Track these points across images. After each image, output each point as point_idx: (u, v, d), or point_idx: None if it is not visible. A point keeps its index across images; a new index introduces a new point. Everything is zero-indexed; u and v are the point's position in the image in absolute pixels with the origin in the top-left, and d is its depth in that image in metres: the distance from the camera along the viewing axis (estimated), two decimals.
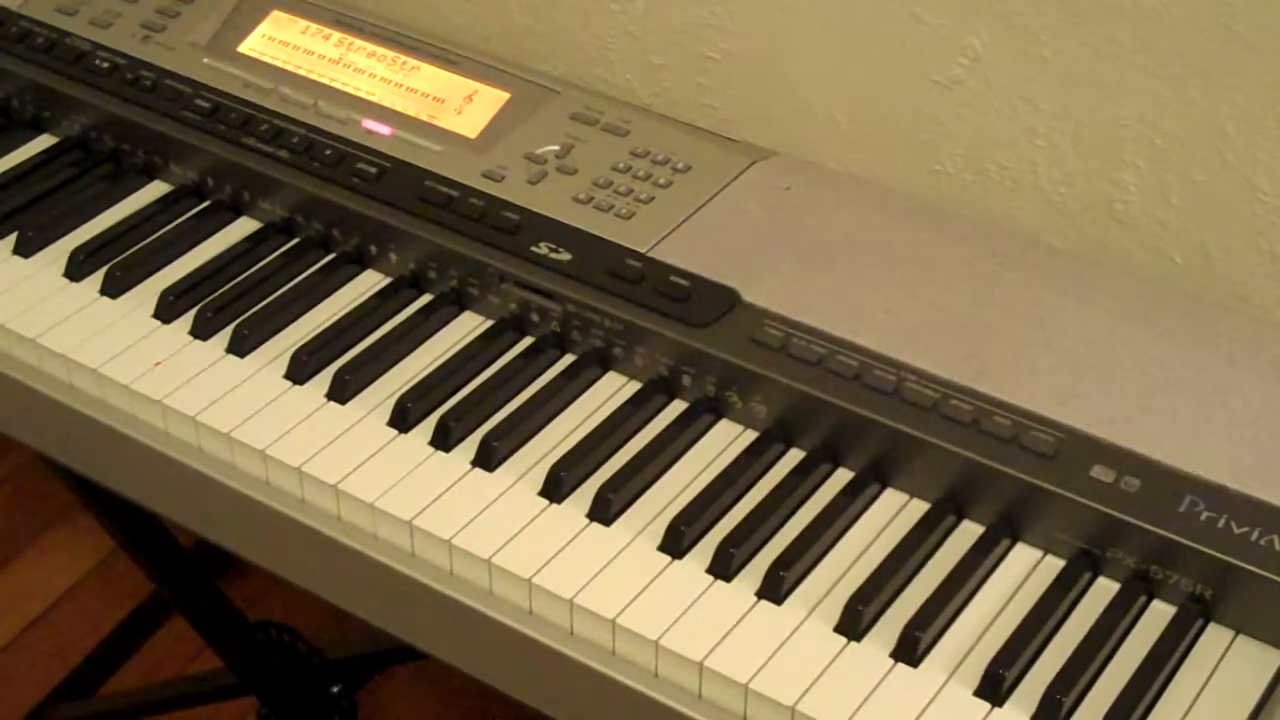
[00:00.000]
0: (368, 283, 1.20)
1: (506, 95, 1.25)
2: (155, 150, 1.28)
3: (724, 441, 1.07)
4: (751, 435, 1.07)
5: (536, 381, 1.11)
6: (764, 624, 0.95)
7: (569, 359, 1.12)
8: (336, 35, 1.32)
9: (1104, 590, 0.97)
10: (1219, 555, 0.93)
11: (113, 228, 1.24)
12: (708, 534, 1.00)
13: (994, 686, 0.91)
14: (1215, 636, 0.95)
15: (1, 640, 2.00)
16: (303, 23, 1.33)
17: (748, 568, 0.98)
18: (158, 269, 1.20)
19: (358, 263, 1.21)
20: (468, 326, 1.16)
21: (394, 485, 1.02)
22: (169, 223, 1.25)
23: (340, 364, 1.11)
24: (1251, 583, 0.93)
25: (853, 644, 0.94)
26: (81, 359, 1.12)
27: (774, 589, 0.96)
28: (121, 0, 1.37)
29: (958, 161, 1.27)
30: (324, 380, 1.10)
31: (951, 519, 1.01)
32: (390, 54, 1.30)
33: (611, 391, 1.11)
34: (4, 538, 2.11)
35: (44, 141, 1.34)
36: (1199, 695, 0.91)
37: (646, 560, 0.99)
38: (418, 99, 1.26)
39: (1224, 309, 1.12)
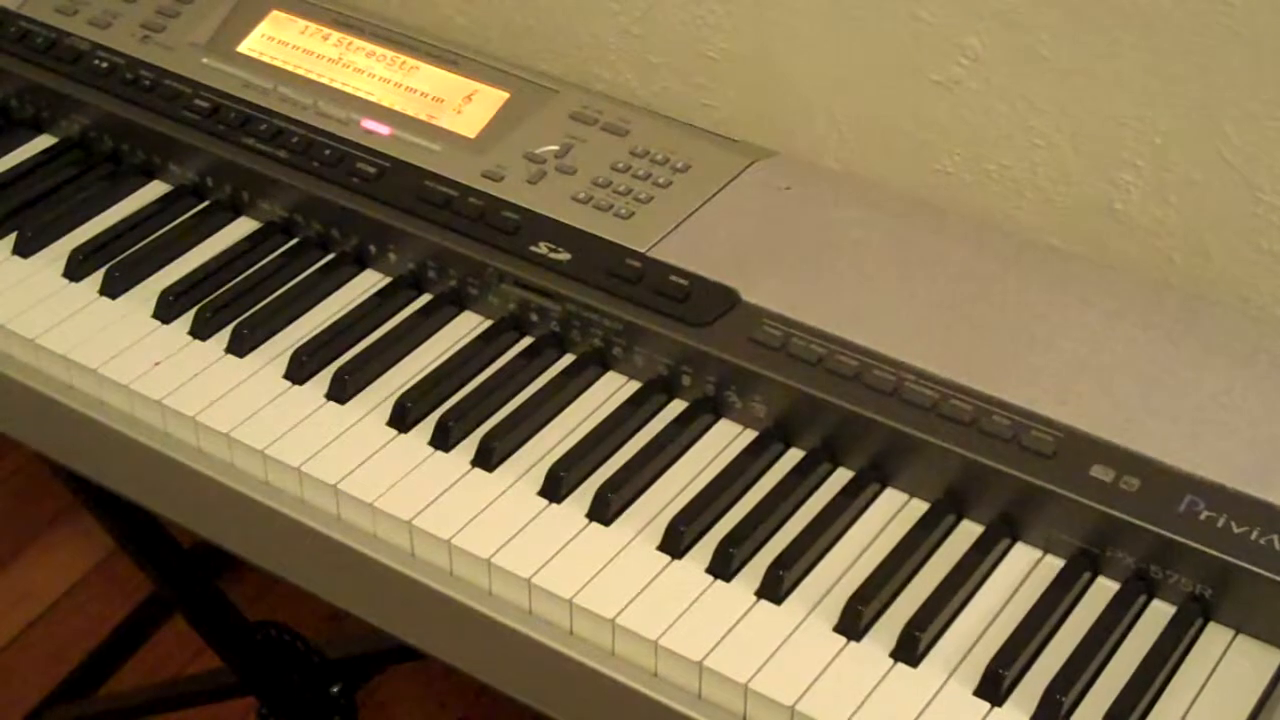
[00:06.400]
0: (367, 283, 1.20)
1: (506, 95, 1.25)
2: (154, 150, 1.28)
3: (723, 441, 1.07)
4: (751, 435, 1.07)
5: (536, 381, 1.11)
6: (763, 624, 0.95)
7: (568, 359, 1.12)
8: (336, 35, 1.32)
9: (1104, 590, 0.97)
10: (1218, 554, 0.93)
11: (112, 228, 1.24)
12: (707, 534, 1.00)
13: (994, 686, 0.91)
14: (1215, 636, 0.95)
15: (1, 640, 2.00)
16: (302, 22, 1.33)
17: (747, 567, 0.98)
18: (157, 269, 1.20)
19: (357, 263, 1.21)
20: (467, 326, 1.16)
21: (393, 485, 1.02)
22: (168, 223, 1.25)
23: (340, 364, 1.11)
24: (1251, 582, 0.93)
25: (852, 644, 0.94)
26: (81, 359, 1.12)
27: (773, 589, 0.96)
28: (120, 0, 1.37)
29: (957, 161, 1.27)
30: (323, 380, 1.10)
31: (951, 518, 1.01)
32: (389, 54, 1.30)
33: (611, 391, 1.10)
34: (4, 538, 2.12)
35: (43, 141, 1.34)
36: (1199, 694, 0.91)
37: (646, 560, 0.99)
38: (417, 99, 1.26)
39: (1223, 308, 1.12)
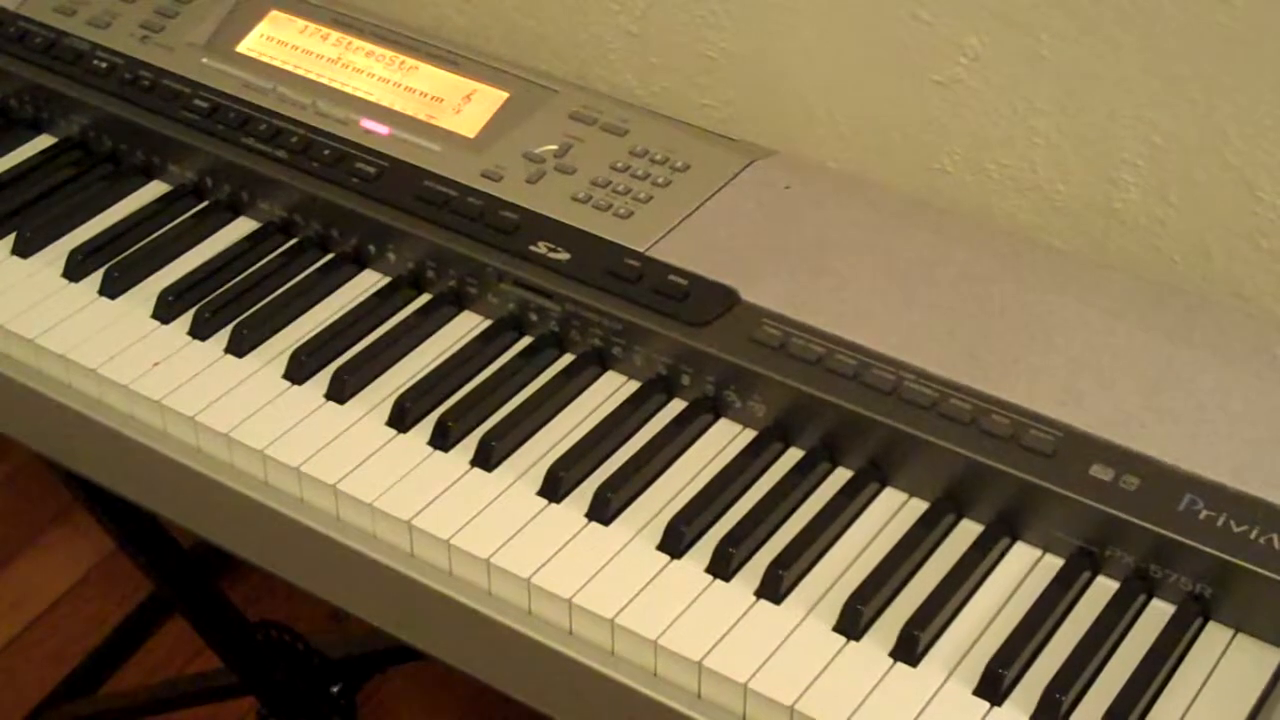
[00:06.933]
0: (366, 282, 1.20)
1: (505, 95, 1.25)
2: (154, 150, 1.28)
3: (723, 441, 1.07)
4: (750, 434, 1.07)
5: (535, 381, 1.11)
6: (763, 623, 0.95)
7: (568, 358, 1.12)
8: (335, 35, 1.31)
9: (1103, 589, 0.97)
10: (1218, 554, 0.93)
11: (111, 228, 1.24)
12: (706, 533, 1.00)
13: (993, 685, 0.91)
14: (1214, 635, 0.95)
15: (1, 640, 2.00)
16: (301, 22, 1.33)
17: (746, 567, 0.98)
18: (156, 269, 1.20)
19: (356, 262, 1.21)
20: (466, 326, 1.16)
21: (393, 485, 1.02)
22: (168, 223, 1.25)
23: (339, 364, 1.11)
24: (1250, 581, 0.93)
25: (852, 643, 0.94)
26: (80, 359, 1.12)
27: (773, 588, 0.96)
28: (120, 0, 1.37)
29: (957, 161, 1.27)
30: (323, 380, 1.10)
31: (950, 518, 1.01)
32: (389, 53, 1.29)
33: (610, 391, 1.10)
34: (4, 538, 2.12)
35: (43, 141, 1.34)
36: (1198, 693, 0.91)
37: (645, 560, 0.99)
38: (416, 98, 1.26)
39: (1224, 308, 1.12)
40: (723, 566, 0.98)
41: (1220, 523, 0.94)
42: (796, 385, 1.04)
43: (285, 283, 1.19)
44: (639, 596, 0.96)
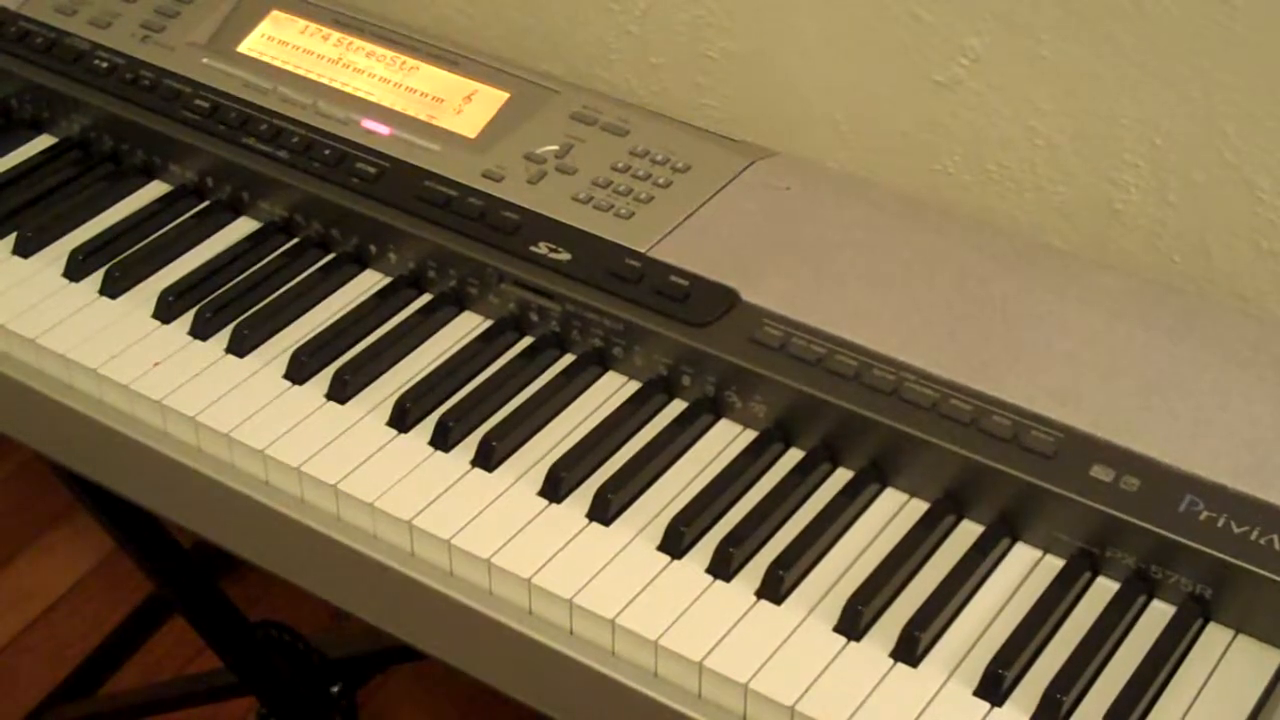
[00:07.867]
0: (367, 282, 1.20)
1: (506, 95, 1.25)
2: (154, 150, 1.28)
3: (723, 441, 1.07)
4: (751, 435, 1.07)
5: (536, 381, 1.11)
6: (763, 624, 0.95)
7: (568, 359, 1.12)
8: (336, 35, 1.32)
9: (1104, 590, 0.97)
10: (1218, 555, 0.93)
11: (112, 228, 1.24)
12: (707, 534, 1.00)
13: (994, 686, 0.91)
14: (1215, 636, 0.95)
15: (1, 640, 2.00)
16: (302, 22, 1.33)
17: (747, 567, 0.98)
18: (157, 269, 1.20)
19: (357, 262, 1.21)
20: (467, 326, 1.16)
21: (393, 485, 1.02)
22: (168, 223, 1.25)
23: (340, 364, 1.11)
24: (1251, 582, 0.93)
25: (852, 644, 0.94)
26: (81, 359, 1.12)
27: (773, 589, 0.96)
28: (120, 0, 1.37)
29: (957, 161, 1.27)
30: (323, 380, 1.10)
31: (951, 518, 1.01)
32: (389, 54, 1.30)
33: (611, 391, 1.11)
34: (4, 538, 2.12)
35: (44, 141, 1.34)
36: (1199, 694, 0.91)
37: (646, 560, 0.99)
38: (417, 99, 1.26)
39: (1224, 308, 1.12)
40: (723, 567, 0.98)
41: (1221, 524, 0.94)
42: (797, 386, 1.04)
43: (286, 283, 1.19)
44: (639, 597, 0.96)
